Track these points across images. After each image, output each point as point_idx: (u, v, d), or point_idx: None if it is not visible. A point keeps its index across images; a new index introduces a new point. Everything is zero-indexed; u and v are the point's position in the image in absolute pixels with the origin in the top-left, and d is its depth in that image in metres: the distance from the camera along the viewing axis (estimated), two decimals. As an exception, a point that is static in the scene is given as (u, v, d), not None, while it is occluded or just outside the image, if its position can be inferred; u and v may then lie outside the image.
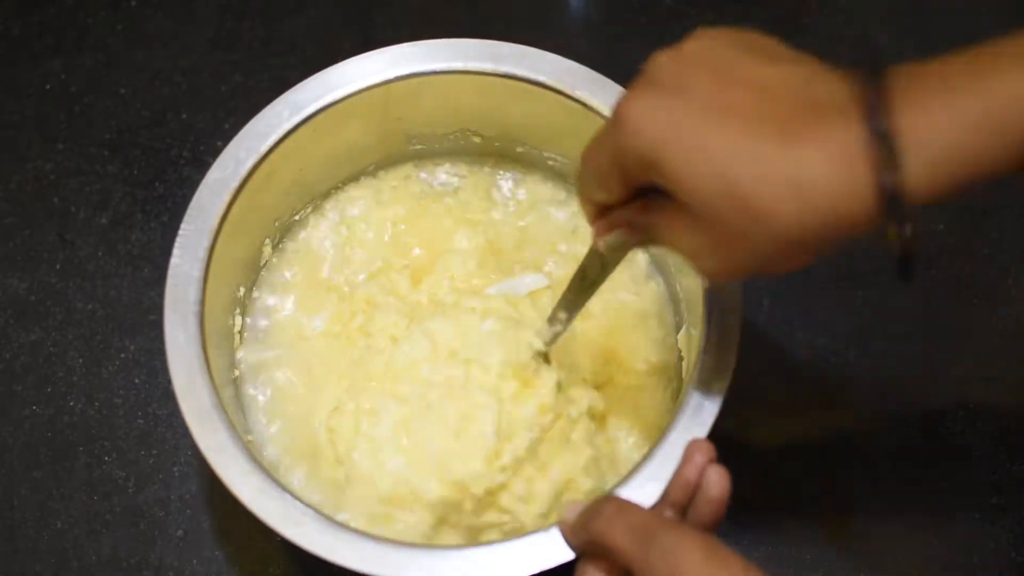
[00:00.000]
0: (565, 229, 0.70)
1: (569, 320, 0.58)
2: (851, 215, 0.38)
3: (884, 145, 0.37)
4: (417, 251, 0.68)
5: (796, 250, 0.40)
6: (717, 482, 0.46)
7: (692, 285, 0.61)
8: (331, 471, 0.61)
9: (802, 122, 0.39)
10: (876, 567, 0.66)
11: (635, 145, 0.41)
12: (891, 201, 0.37)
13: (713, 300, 0.58)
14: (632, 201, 0.45)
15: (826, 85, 0.40)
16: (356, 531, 0.53)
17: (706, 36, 0.43)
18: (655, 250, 0.68)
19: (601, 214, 0.47)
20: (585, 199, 0.48)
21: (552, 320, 0.59)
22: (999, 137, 0.37)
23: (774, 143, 0.38)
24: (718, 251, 0.42)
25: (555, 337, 0.59)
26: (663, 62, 0.42)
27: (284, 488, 0.54)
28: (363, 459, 0.59)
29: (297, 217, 0.69)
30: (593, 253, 0.54)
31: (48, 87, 0.82)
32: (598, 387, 0.64)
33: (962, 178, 0.38)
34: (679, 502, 0.47)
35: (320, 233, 0.70)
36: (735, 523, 0.66)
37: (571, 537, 0.48)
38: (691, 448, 0.47)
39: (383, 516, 0.58)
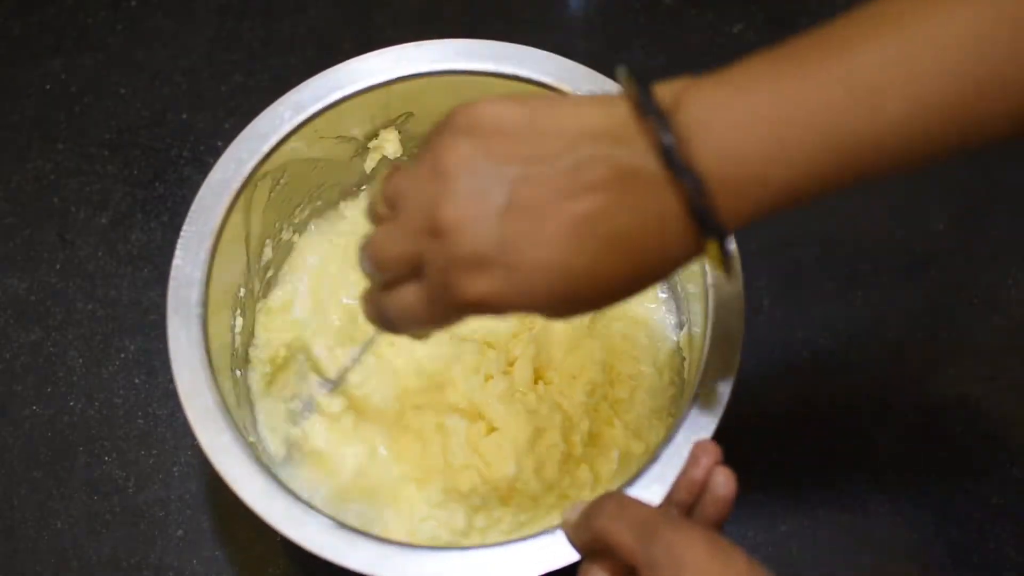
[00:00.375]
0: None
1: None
2: (673, 253, 0.40)
3: (685, 177, 0.38)
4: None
5: (634, 291, 0.42)
6: (724, 483, 0.46)
7: (693, 285, 0.61)
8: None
9: (611, 199, 0.39)
10: (876, 567, 0.66)
11: (480, 312, 0.41)
12: (703, 221, 0.39)
13: (715, 300, 0.58)
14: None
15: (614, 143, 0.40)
16: (358, 531, 0.53)
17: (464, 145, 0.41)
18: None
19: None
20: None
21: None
22: (787, 144, 0.38)
23: (595, 235, 0.39)
24: (566, 315, 0.42)
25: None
26: (458, 154, 0.41)
27: (288, 489, 0.54)
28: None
29: (298, 218, 0.69)
30: None
31: (48, 87, 0.82)
32: (601, 386, 0.64)
33: (767, 202, 0.39)
34: (684, 502, 0.47)
35: (321, 233, 0.70)
36: (735, 523, 0.66)
37: (574, 536, 0.48)
38: (697, 449, 0.47)
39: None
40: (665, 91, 0.40)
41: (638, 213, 0.39)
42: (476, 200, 0.39)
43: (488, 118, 0.41)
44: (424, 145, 0.42)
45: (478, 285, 0.40)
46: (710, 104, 0.39)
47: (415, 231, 0.41)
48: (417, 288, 0.42)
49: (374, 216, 0.45)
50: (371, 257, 0.44)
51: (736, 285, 0.58)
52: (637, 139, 0.39)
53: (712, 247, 0.40)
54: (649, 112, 0.39)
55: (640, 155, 0.39)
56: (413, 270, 0.42)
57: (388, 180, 0.43)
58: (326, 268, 0.69)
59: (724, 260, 0.41)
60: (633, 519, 0.43)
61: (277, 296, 0.68)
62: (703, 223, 0.39)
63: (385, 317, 0.45)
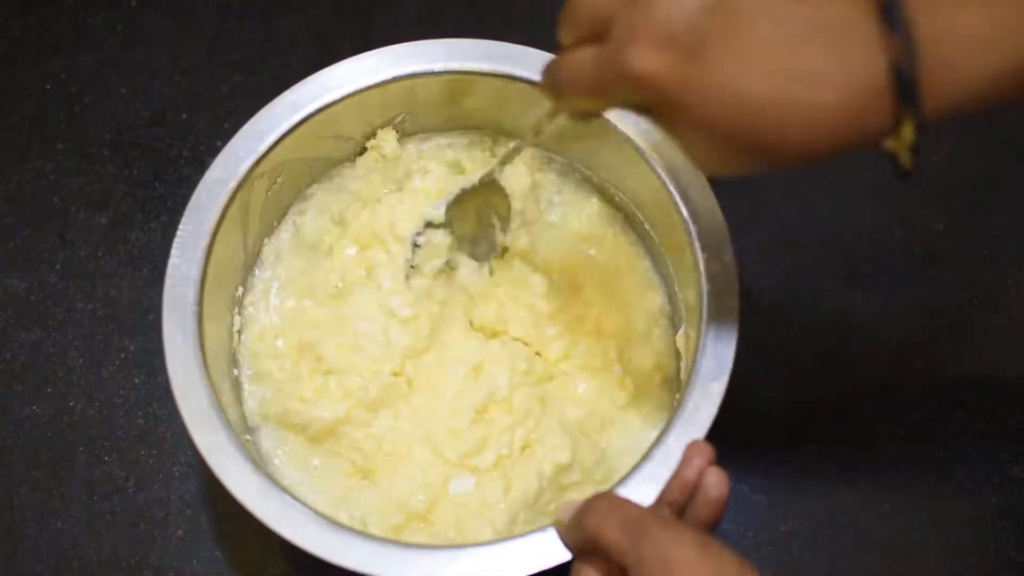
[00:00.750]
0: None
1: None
2: (858, 123, 0.38)
3: (900, 32, 0.37)
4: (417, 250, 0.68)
5: (807, 144, 0.39)
6: (716, 484, 0.46)
7: (691, 286, 0.61)
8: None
9: (813, 36, 0.38)
10: (876, 567, 0.66)
11: (640, 91, 0.40)
12: (907, 88, 0.37)
13: (711, 301, 0.58)
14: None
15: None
16: (356, 531, 0.53)
17: None
18: (654, 249, 0.68)
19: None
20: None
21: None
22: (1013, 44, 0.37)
23: (783, 67, 0.38)
24: (724, 157, 0.41)
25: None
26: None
27: (283, 488, 0.54)
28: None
29: (296, 217, 0.69)
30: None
31: (48, 87, 0.82)
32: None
33: (976, 90, 0.38)
34: (676, 503, 0.47)
35: (319, 233, 0.70)
36: (735, 523, 0.66)
37: (566, 536, 0.48)
38: (690, 450, 0.47)
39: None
40: None
41: (834, 62, 0.37)
42: None
43: None
44: None
45: (652, 59, 0.39)
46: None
47: None
48: (594, 50, 0.42)
49: None
50: (566, 13, 0.43)
51: (733, 288, 0.58)
52: None
53: (908, 129, 0.38)
54: None
55: (857, 9, 0.38)
56: (601, 34, 0.41)
57: None
58: (323, 265, 0.69)
59: (914, 151, 0.39)
60: (624, 519, 0.43)
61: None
62: (906, 90, 0.37)
63: (556, 77, 0.44)
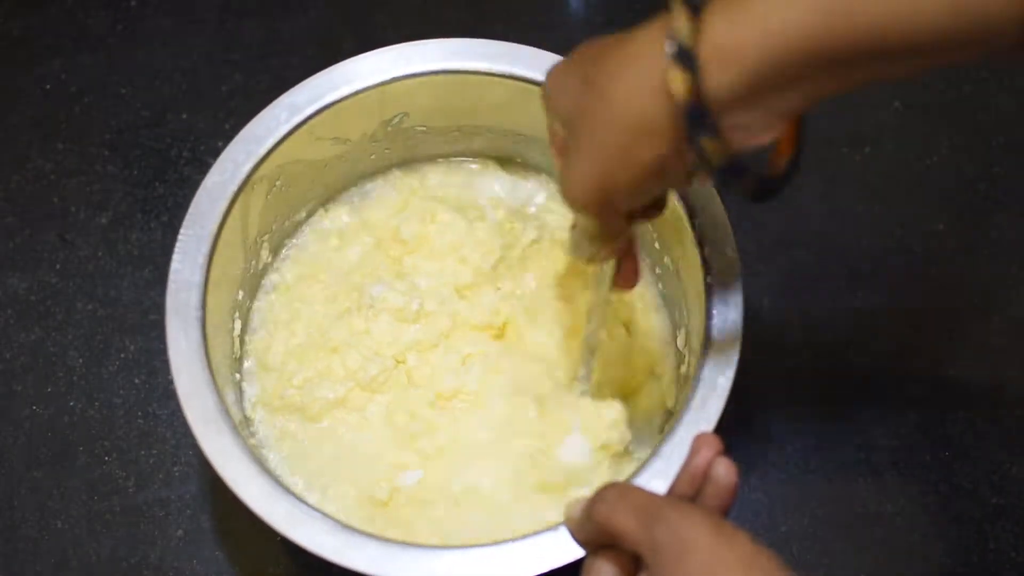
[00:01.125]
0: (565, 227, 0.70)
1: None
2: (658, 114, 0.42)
3: (680, 54, 0.40)
4: (416, 250, 0.68)
5: (629, 161, 0.45)
6: (725, 474, 0.46)
7: (693, 285, 0.61)
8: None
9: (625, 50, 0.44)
10: (876, 567, 0.66)
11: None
12: (691, 109, 0.41)
13: (714, 295, 0.58)
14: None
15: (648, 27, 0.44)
16: (362, 532, 0.53)
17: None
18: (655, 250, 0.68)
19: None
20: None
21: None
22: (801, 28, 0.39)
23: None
24: (570, 166, 0.48)
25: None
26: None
27: (288, 490, 0.54)
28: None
29: (296, 219, 0.69)
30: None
31: (48, 87, 0.82)
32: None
33: (766, 73, 0.40)
34: (685, 494, 0.47)
35: (319, 234, 0.70)
36: (735, 523, 0.66)
37: (577, 531, 0.48)
38: (698, 442, 0.47)
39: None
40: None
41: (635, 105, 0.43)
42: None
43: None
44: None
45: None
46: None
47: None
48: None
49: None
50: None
51: (737, 283, 0.58)
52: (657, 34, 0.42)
53: (708, 144, 0.41)
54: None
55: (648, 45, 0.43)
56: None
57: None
58: (324, 268, 0.69)
59: (728, 168, 0.42)
60: (634, 504, 0.43)
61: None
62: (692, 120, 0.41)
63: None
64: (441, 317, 0.65)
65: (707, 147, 0.42)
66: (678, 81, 0.40)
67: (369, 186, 0.71)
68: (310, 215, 0.70)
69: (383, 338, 0.64)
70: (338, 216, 0.70)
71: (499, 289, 0.66)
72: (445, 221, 0.68)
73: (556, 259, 0.67)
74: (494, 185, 0.72)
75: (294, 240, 0.70)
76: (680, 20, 0.41)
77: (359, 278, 0.67)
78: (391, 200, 0.70)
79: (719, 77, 0.40)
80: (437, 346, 0.65)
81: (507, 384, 0.63)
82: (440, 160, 0.72)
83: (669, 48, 0.41)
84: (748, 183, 0.43)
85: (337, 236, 0.70)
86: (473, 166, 0.72)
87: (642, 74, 0.43)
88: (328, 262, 0.69)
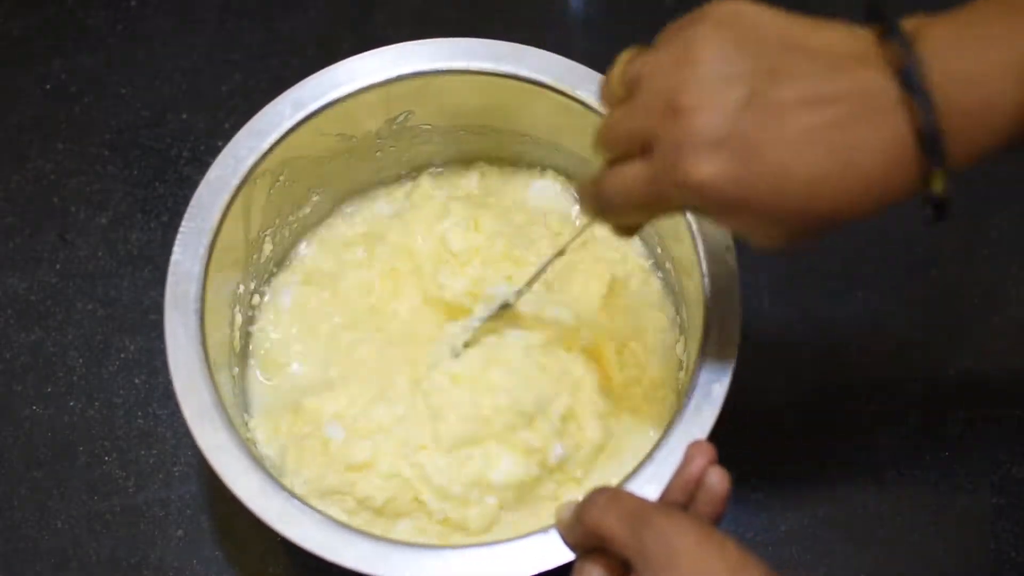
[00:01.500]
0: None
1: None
2: (898, 181, 0.40)
3: (918, 96, 0.39)
4: (414, 250, 0.68)
5: (855, 212, 0.42)
6: (718, 483, 0.46)
7: (692, 288, 0.61)
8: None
9: (849, 113, 0.40)
10: (876, 567, 0.66)
11: (700, 199, 0.42)
12: (931, 145, 0.39)
13: (712, 303, 0.58)
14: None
15: (856, 50, 0.41)
16: (356, 531, 0.53)
17: (716, 43, 0.42)
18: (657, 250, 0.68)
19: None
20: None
21: (531, 284, 0.61)
22: None
23: (828, 146, 0.40)
24: (774, 232, 0.43)
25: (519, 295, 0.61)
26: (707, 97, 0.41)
27: (284, 487, 0.54)
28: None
29: (297, 214, 0.69)
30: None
31: (48, 87, 0.82)
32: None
33: (1000, 129, 0.40)
34: (678, 502, 0.47)
35: (319, 231, 0.70)
36: (734, 523, 0.66)
37: (568, 534, 0.48)
38: (692, 449, 0.47)
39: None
40: (906, 24, 0.41)
41: (870, 131, 0.40)
42: (721, 87, 0.40)
43: (748, 17, 0.42)
44: (669, 33, 0.43)
45: (705, 166, 0.40)
46: (947, 36, 0.40)
47: (653, 110, 0.42)
48: (642, 165, 0.43)
49: (610, 98, 0.46)
50: (602, 133, 0.45)
51: (734, 288, 0.58)
52: (878, 62, 0.40)
53: (937, 181, 0.40)
54: (894, 36, 0.40)
55: (880, 78, 0.40)
56: (643, 148, 0.43)
57: (630, 63, 0.44)
58: (325, 264, 0.69)
59: (945, 196, 0.41)
60: (624, 509, 0.43)
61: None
62: (931, 147, 0.39)
63: (604, 196, 0.46)
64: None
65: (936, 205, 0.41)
66: (936, 177, 0.40)
67: (370, 184, 0.71)
68: (313, 210, 0.70)
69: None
70: (340, 213, 0.70)
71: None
72: (444, 225, 0.67)
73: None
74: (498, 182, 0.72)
75: (296, 235, 0.69)
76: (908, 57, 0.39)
77: (362, 285, 0.67)
78: (391, 199, 0.70)
79: (967, 149, 0.40)
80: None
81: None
82: (441, 159, 0.72)
83: (912, 120, 0.39)
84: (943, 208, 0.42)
85: (338, 232, 0.70)
86: (474, 164, 0.72)
87: (871, 136, 0.40)
88: (330, 259, 0.69)
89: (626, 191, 0.44)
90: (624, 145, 0.44)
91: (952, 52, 0.39)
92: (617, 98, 0.45)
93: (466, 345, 0.62)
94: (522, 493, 0.60)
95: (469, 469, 0.59)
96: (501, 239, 0.66)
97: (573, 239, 0.59)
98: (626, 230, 0.50)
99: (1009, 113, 0.40)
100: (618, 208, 0.46)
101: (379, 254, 0.68)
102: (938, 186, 0.40)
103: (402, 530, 0.60)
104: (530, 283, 0.61)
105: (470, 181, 0.72)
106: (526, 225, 0.68)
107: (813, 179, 0.40)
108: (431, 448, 0.60)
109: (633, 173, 0.44)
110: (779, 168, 0.40)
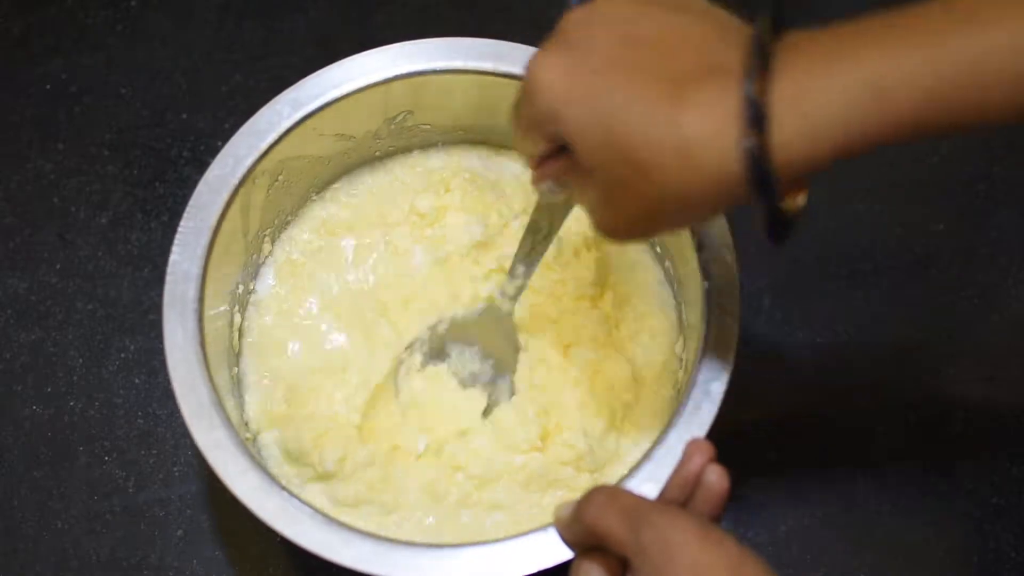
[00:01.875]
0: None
1: (528, 274, 0.61)
2: (729, 179, 0.40)
3: (753, 109, 0.39)
4: (414, 250, 0.68)
5: (682, 208, 0.42)
6: (717, 481, 0.46)
7: (692, 287, 0.61)
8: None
9: (693, 82, 0.40)
10: (876, 567, 0.66)
11: (539, 102, 0.44)
12: (754, 165, 0.39)
13: (712, 301, 0.58)
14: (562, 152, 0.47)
15: (723, 44, 0.41)
16: (356, 530, 0.53)
17: None
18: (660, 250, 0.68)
19: (536, 165, 0.49)
20: (519, 150, 0.50)
21: (512, 274, 0.61)
22: (880, 106, 0.39)
23: (663, 102, 0.40)
24: (608, 206, 0.44)
25: (518, 290, 0.62)
26: (573, 18, 0.44)
27: (283, 487, 0.54)
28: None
29: (297, 214, 0.69)
30: (540, 206, 0.56)
31: (48, 87, 0.82)
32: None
33: (842, 146, 0.39)
34: (676, 500, 0.47)
35: (319, 230, 0.70)
36: (734, 523, 0.66)
37: (566, 533, 0.48)
38: (690, 448, 0.47)
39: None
40: (788, 38, 0.41)
41: (710, 137, 0.40)
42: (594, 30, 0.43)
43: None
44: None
45: (544, 58, 0.44)
46: (809, 68, 0.39)
47: None
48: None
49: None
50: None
51: (735, 285, 0.58)
52: (732, 66, 0.40)
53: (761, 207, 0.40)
54: (754, 49, 0.40)
55: (732, 82, 0.40)
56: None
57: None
58: (324, 263, 0.69)
59: (772, 225, 0.41)
60: (622, 507, 0.43)
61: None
62: (757, 183, 0.39)
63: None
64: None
65: (767, 207, 0.41)
66: (749, 157, 0.39)
67: (370, 183, 0.71)
68: (312, 209, 0.70)
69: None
70: (340, 213, 0.70)
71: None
72: (444, 224, 0.68)
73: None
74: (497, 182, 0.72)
75: (296, 235, 0.69)
76: (753, 77, 0.39)
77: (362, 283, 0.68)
78: (391, 198, 0.70)
79: (795, 147, 0.39)
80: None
81: None
82: (441, 159, 0.72)
83: (746, 113, 0.39)
84: (783, 228, 0.42)
85: (339, 232, 0.70)
86: (474, 164, 0.72)
87: (704, 129, 0.40)
88: (329, 258, 0.69)
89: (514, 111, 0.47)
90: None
91: (806, 79, 0.39)
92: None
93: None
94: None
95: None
96: (472, 192, 0.68)
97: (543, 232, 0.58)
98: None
99: (835, 147, 0.40)
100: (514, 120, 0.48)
101: (361, 237, 0.69)
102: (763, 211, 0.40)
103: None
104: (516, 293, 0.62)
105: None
106: (498, 183, 0.70)
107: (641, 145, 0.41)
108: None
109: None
110: (597, 88, 0.41)
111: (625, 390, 0.64)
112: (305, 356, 0.65)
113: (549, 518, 0.50)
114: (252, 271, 0.67)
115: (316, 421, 0.62)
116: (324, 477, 0.61)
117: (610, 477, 0.62)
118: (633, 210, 0.43)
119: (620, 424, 0.63)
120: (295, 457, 0.62)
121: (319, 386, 0.63)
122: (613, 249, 0.68)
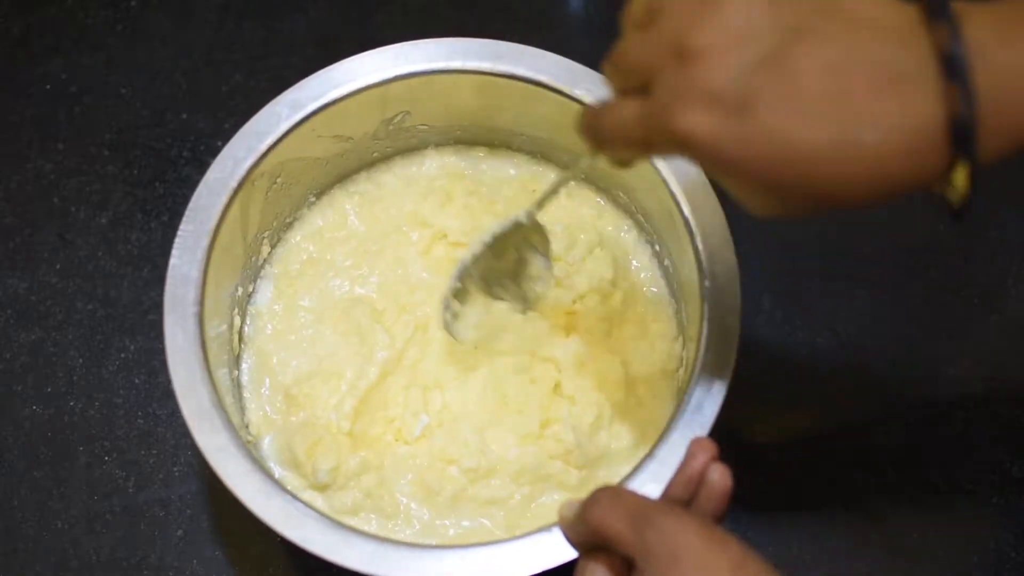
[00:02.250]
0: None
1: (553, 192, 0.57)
2: (913, 169, 0.38)
3: (961, 83, 0.36)
4: (411, 255, 0.68)
5: (859, 193, 0.39)
6: (720, 480, 0.46)
7: (691, 286, 0.61)
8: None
9: (870, 86, 0.37)
10: (876, 567, 0.66)
11: (685, 150, 0.40)
12: (962, 137, 0.37)
13: (712, 301, 0.58)
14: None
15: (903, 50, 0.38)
16: (356, 531, 0.53)
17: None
18: (657, 248, 0.68)
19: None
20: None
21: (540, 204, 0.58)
22: None
23: (839, 117, 0.37)
24: (769, 202, 0.41)
25: (543, 201, 0.58)
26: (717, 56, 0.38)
27: (284, 488, 0.54)
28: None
29: (296, 215, 0.69)
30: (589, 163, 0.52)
31: (48, 87, 0.82)
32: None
33: None
34: (680, 499, 0.47)
35: (319, 230, 0.70)
36: (735, 523, 0.66)
37: (571, 533, 0.48)
38: (693, 446, 0.47)
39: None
40: (953, 7, 0.38)
41: (892, 110, 0.37)
42: (739, 38, 0.38)
43: None
44: None
45: (697, 119, 0.38)
46: (992, 25, 0.37)
47: (663, 46, 0.39)
48: (638, 104, 0.41)
49: (629, 20, 0.43)
50: (611, 59, 0.43)
51: (735, 286, 0.58)
52: (919, 42, 0.37)
53: (960, 174, 0.38)
54: (942, 17, 0.37)
55: (920, 59, 0.37)
56: (645, 85, 0.41)
57: None
58: (323, 264, 0.69)
59: (966, 194, 0.39)
60: (628, 508, 0.43)
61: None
62: (962, 138, 0.37)
63: (599, 128, 0.44)
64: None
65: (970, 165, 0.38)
66: (959, 172, 0.38)
67: (370, 182, 0.71)
68: (311, 211, 0.70)
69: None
70: (340, 212, 0.70)
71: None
72: (443, 223, 0.68)
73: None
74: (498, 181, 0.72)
75: (295, 236, 0.69)
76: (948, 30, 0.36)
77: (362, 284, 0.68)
78: (391, 197, 0.70)
79: (996, 145, 0.38)
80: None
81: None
82: (441, 159, 0.72)
83: (950, 105, 0.37)
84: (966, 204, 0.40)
85: (339, 231, 0.70)
86: (474, 163, 0.72)
87: (892, 115, 0.37)
88: (328, 259, 0.69)
89: (619, 127, 0.43)
90: (629, 77, 0.42)
91: (996, 42, 0.37)
92: (636, 23, 0.42)
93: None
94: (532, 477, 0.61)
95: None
96: (470, 195, 0.67)
97: (579, 167, 0.56)
98: (621, 163, 0.47)
99: None
100: (610, 143, 0.44)
101: (358, 242, 0.69)
102: (960, 181, 0.38)
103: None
104: (540, 203, 0.59)
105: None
106: (497, 186, 0.69)
107: (815, 152, 0.37)
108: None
109: (629, 110, 0.42)
110: (779, 135, 0.37)
111: (616, 389, 0.64)
112: (301, 362, 0.65)
113: (548, 518, 0.50)
114: (251, 274, 0.67)
115: (309, 428, 0.62)
116: (320, 488, 0.61)
117: (602, 476, 0.62)
118: (803, 206, 0.40)
119: (610, 423, 0.63)
120: (292, 466, 0.62)
121: (313, 392, 0.63)
122: (618, 249, 0.68)
